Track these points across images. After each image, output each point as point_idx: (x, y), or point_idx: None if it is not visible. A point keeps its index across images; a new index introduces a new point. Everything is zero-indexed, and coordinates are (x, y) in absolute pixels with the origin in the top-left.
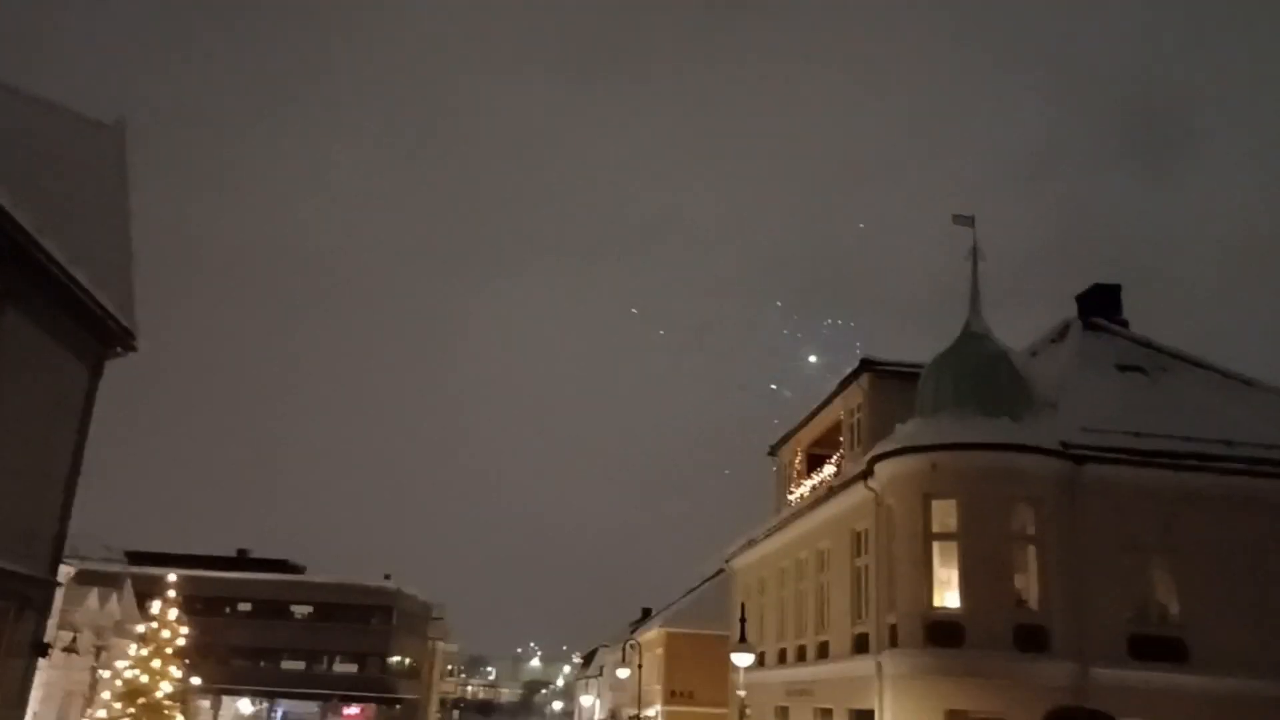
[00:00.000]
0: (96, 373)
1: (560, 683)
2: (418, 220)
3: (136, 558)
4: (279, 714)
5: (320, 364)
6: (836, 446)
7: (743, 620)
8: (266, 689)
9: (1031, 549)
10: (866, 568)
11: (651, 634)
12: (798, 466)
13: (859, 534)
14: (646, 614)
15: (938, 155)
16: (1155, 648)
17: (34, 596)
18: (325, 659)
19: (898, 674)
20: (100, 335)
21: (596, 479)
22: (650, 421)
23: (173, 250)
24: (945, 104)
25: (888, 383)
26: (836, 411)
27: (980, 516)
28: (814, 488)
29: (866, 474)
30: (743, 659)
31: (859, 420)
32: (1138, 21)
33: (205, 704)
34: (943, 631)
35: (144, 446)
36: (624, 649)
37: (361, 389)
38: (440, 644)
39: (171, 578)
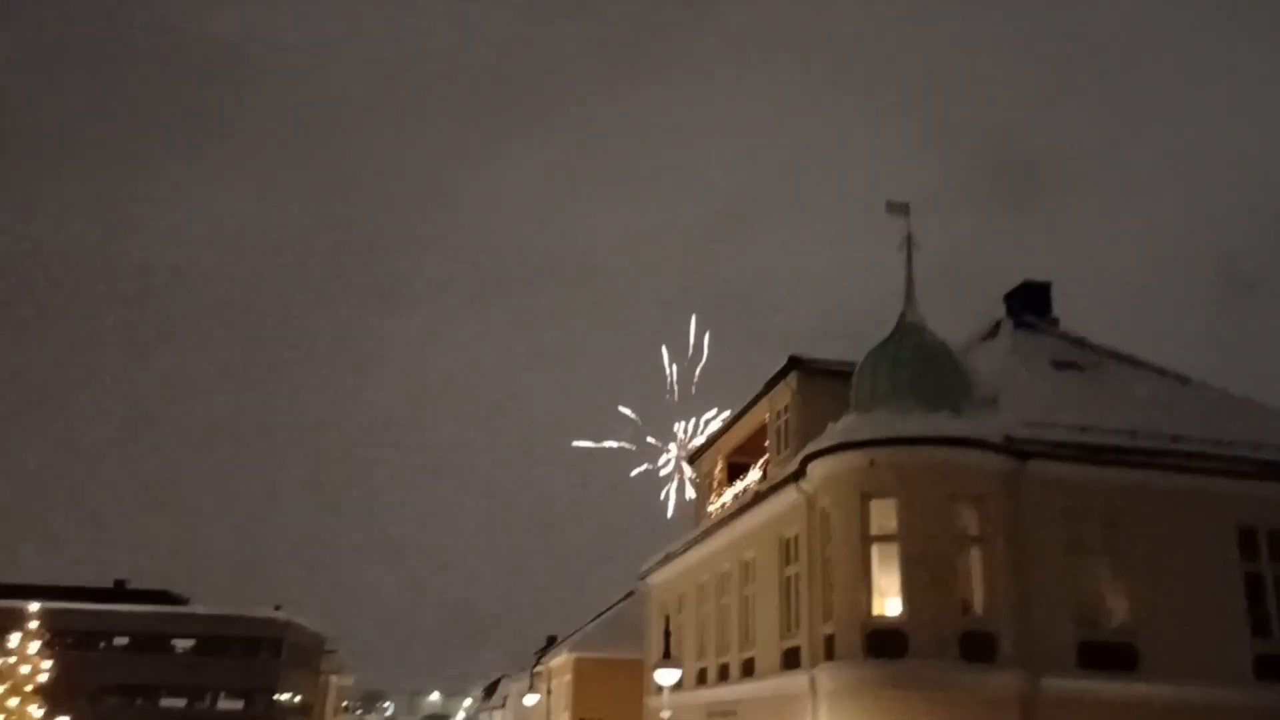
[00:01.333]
0: None
1: (461, 716)
2: (318, 259)
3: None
4: None
5: (207, 389)
6: (760, 453)
7: (667, 634)
8: None
9: (976, 551)
10: (797, 577)
11: (559, 660)
12: (719, 476)
13: (788, 541)
14: (551, 641)
15: (818, 194)
16: (1105, 655)
17: None
18: (209, 696)
19: (834, 689)
20: None
21: (497, 509)
22: (552, 449)
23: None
24: (816, 148)
25: (817, 381)
26: (761, 414)
27: (922, 516)
28: (737, 495)
29: (798, 475)
30: (667, 676)
31: (786, 422)
32: (1003, 75)
33: None
34: (884, 641)
35: (10, 467)
36: (530, 677)
37: (254, 415)
38: (334, 678)
39: (33, 608)
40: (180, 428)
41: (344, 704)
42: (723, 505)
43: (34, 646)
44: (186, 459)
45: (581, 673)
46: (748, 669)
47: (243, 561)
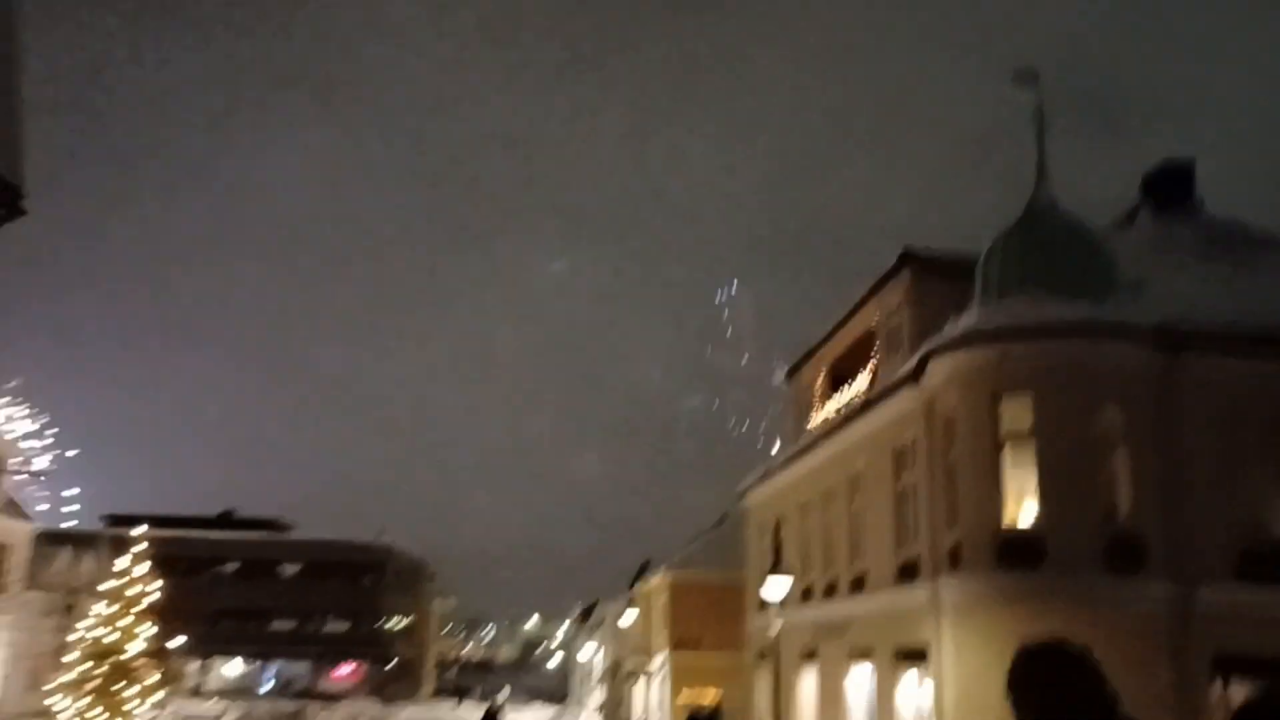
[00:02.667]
0: None
1: (559, 639)
2: (402, 201)
3: (115, 520)
4: (270, 674)
5: (304, 322)
6: (866, 360)
7: (777, 545)
8: (257, 650)
9: (1122, 453)
10: (913, 486)
11: (655, 582)
12: (820, 388)
13: (903, 449)
14: (645, 566)
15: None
16: (1268, 565)
17: None
18: (316, 618)
19: (960, 602)
20: None
21: (593, 437)
22: (643, 380)
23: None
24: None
25: (932, 278)
26: (870, 317)
27: (1061, 415)
28: (842, 407)
29: (915, 376)
30: (778, 586)
31: (900, 323)
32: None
33: (194, 667)
34: (1017, 550)
35: (119, 406)
36: (627, 599)
37: (352, 343)
38: (436, 602)
39: (141, 529)
40: (279, 363)
41: (446, 627)
42: (825, 419)
43: (142, 568)
44: (285, 393)
45: (678, 594)
46: (858, 584)
47: (346, 492)
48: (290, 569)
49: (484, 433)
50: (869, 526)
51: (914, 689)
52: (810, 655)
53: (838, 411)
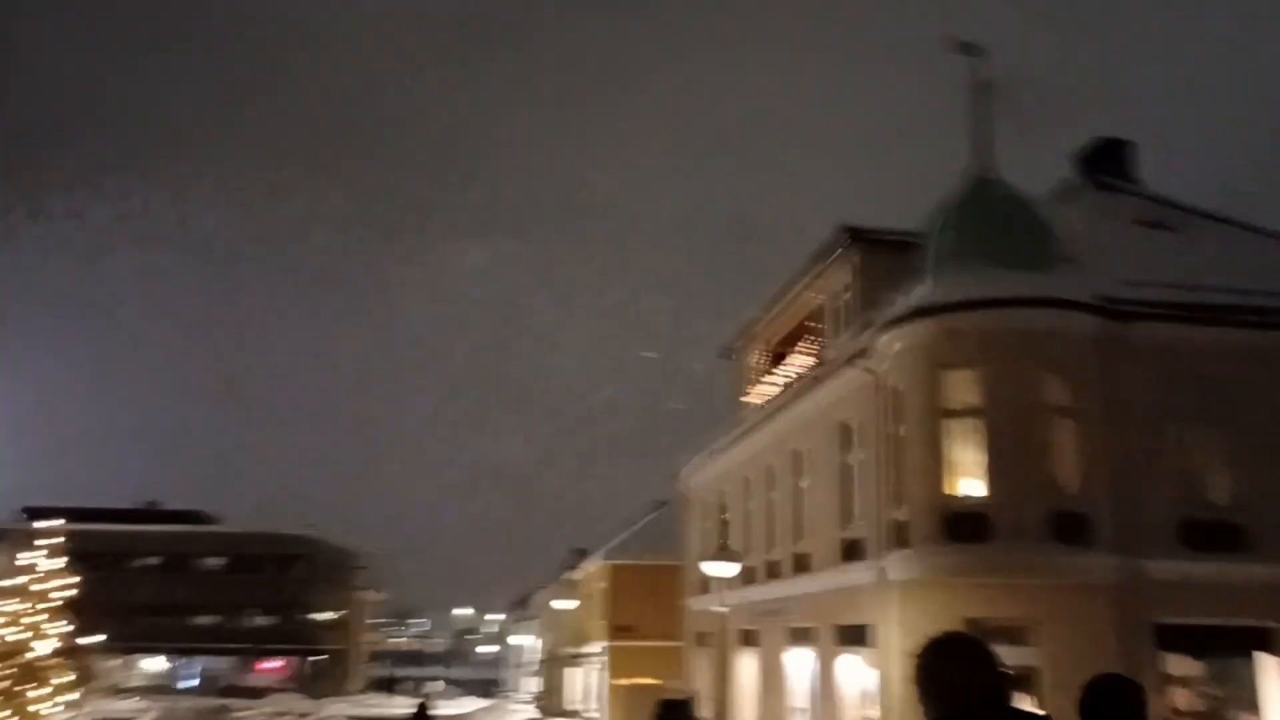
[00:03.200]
0: None
1: (495, 629)
2: (346, 197)
3: (32, 513)
4: (193, 670)
5: (228, 314)
6: (805, 337)
7: (724, 523)
8: (180, 645)
9: (1067, 424)
10: (860, 464)
11: (593, 568)
12: (758, 366)
13: (849, 426)
14: (580, 554)
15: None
16: (1210, 535)
17: None
18: (241, 612)
19: (908, 579)
20: None
21: (520, 427)
22: (571, 367)
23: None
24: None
25: (877, 254)
26: (811, 293)
27: (1008, 387)
28: (785, 384)
29: (863, 351)
30: (722, 569)
31: (846, 301)
32: None
33: (114, 664)
34: (965, 525)
35: (40, 395)
36: (564, 587)
37: (280, 336)
38: (366, 595)
39: (52, 524)
40: (205, 356)
41: (377, 620)
42: (766, 397)
43: (55, 562)
44: (212, 386)
45: (617, 580)
46: (800, 564)
47: (271, 483)
48: (214, 562)
49: (411, 423)
50: (813, 506)
51: (858, 669)
52: (751, 639)
53: (783, 389)
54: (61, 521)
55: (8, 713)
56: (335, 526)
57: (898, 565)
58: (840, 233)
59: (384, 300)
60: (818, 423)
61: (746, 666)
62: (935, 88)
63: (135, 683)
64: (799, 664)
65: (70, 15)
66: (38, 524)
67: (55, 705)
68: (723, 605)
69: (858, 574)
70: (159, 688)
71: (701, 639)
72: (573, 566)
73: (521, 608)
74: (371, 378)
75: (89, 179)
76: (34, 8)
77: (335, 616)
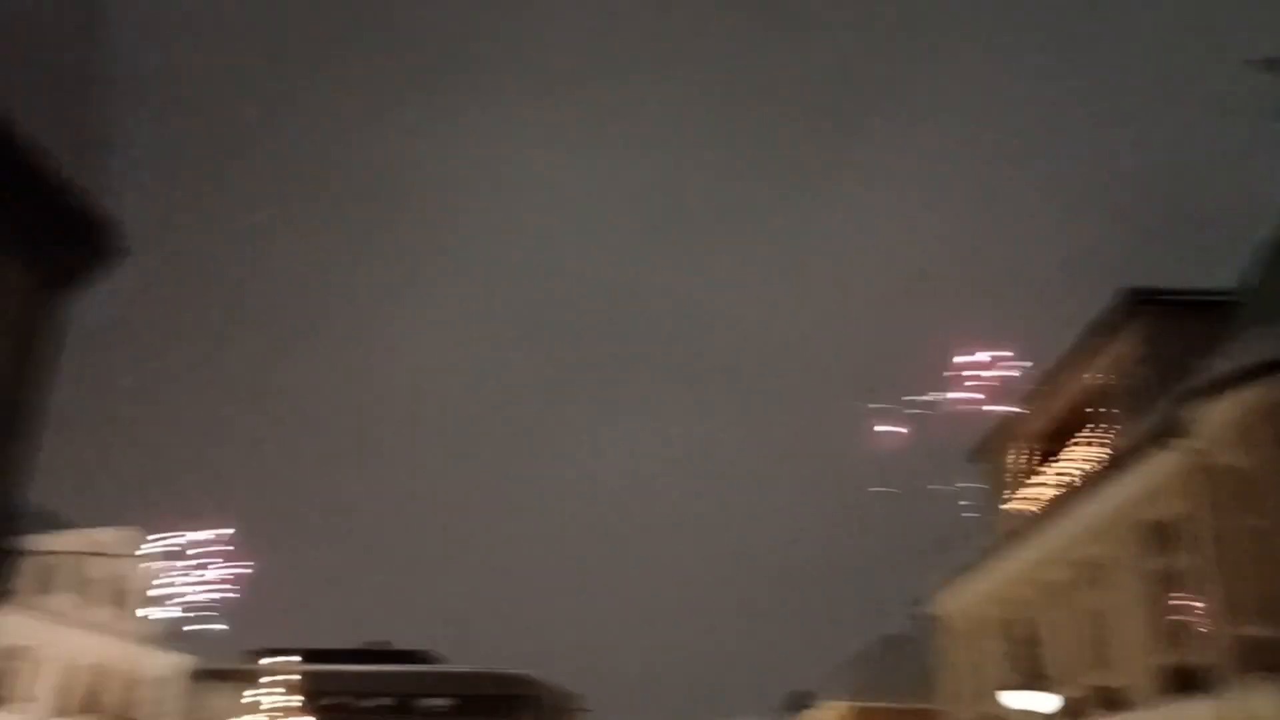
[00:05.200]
0: (48, 281)
1: None
2: (542, 355)
3: (266, 654)
4: None
5: (449, 460)
6: (1082, 427)
7: (1027, 644)
8: None
9: None
10: (1179, 570)
11: (824, 712)
12: (1021, 468)
13: (1159, 524)
14: (801, 697)
15: None
16: None
17: None
18: None
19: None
20: (52, 225)
21: (732, 566)
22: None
23: None
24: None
25: (1173, 319)
26: (1091, 376)
27: None
28: (1060, 485)
29: (1170, 430)
30: (1033, 701)
31: (1137, 378)
32: None
33: None
34: None
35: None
36: None
37: (495, 480)
38: None
39: (285, 661)
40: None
41: None
42: (1034, 501)
43: (285, 700)
44: (431, 529)
45: None
46: (1109, 701)
47: (493, 623)
48: (441, 703)
49: (624, 564)
50: (1115, 626)
51: None
52: None
53: (1059, 490)
54: (289, 660)
55: None
56: (555, 667)
57: (1260, 700)
58: (1125, 299)
59: (594, 444)
60: (1114, 523)
61: None
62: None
63: None
64: None
65: None
66: (273, 664)
67: None
68: None
69: (1193, 712)
70: None
71: None
72: (794, 710)
73: None
74: (589, 518)
75: None
76: None
77: None
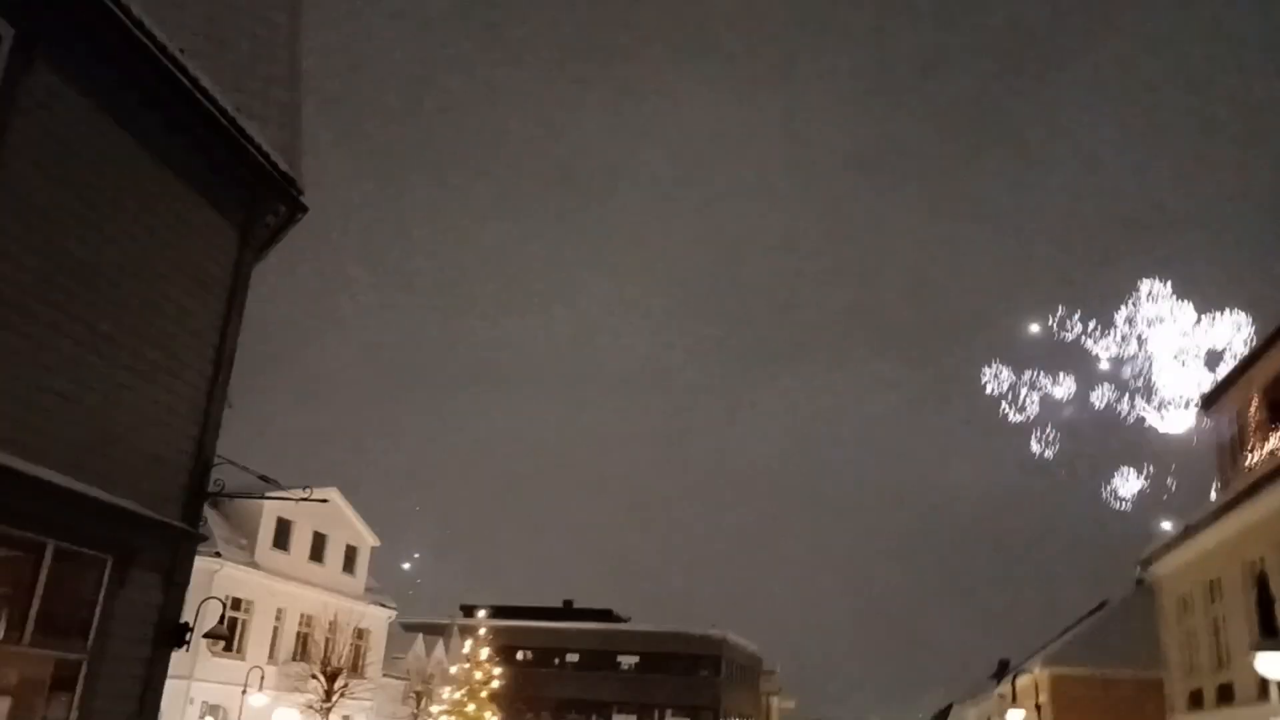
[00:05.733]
0: (247, 239)
1: None
2: (714, 316)
3: (466, 611)
4: None
5: (629, 427)
6: None
7: (1267, 598)
8: None
9: None
10: None
11: (1025, 680)
12: (1255, 418)
13: None
14: (1004, 666)
15: None
16: None
17: (149, 547)
18: (655, 711)
19: None
20: (254, 184)
21: (925, 524)
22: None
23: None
24: None
25: None
26: None
27: None
28: None
29: None
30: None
31: None
32: None
33: None
34: None
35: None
36: (997, 698)
37: (677, 439)
38: (775, 700)
39: (483, 614)
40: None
41: None
42: (1266, 454)
43: (484, 653)
44: (618, 493)
45: (1060, 691)
46: None
47: (677, 583)
48: (628, 660)
49: (814, 532)
50: None
51: None
52: None
53: None
54: (485, 615)
55: None
56: (738, 629)
57: None
58: None
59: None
60: None
61: None
62: None
63: None
64: None
65: None
66: (472, 620)
67: None
68: None
69: None
70: None
71: None
72: (999, 677)
73: None
74: (774, 486)
75: None
76: None
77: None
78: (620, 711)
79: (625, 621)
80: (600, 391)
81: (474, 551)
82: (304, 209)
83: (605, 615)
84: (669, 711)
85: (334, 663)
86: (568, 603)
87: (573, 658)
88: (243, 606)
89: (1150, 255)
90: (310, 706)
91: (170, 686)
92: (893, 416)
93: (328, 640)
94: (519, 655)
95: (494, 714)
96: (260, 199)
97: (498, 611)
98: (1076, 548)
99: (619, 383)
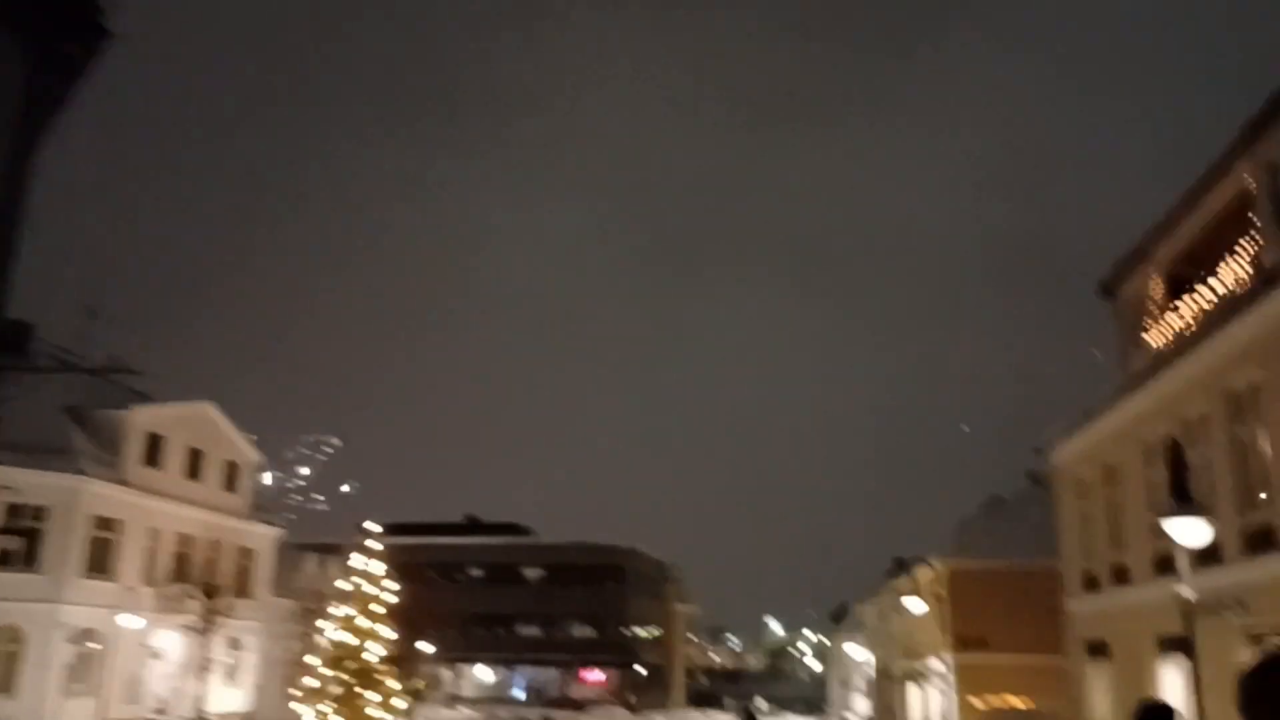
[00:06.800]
0: (42, 67)
1: (805, 646)
2: (641, 239)
3: (367, 531)
4: (520, 681)
5: (540, 343)
6: (1222, 254)
7: (1180, 465)
8: (505, 655)
9: None
10: None
11: (927, 573)
12: (1155, 299)
13: None
14: (899, 564)
15: None
16: None
17: None
18: (562, 623)
19: None
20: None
21: (823, 436)
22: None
23: None
24: None
25: None
26: (1237, 181)
27: None
28: (1206, 312)
29: None
30: (1191, 531)
31: None
32: None
33: (448, 673)
34: None
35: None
36: (894, 594)
37: (585, 353)
38: (680, 607)
39: (369, 526)
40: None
41: (690, 636)
42: (1169, 336)
43: (377, 568)
44: (524, 405)
45: (958, 585)
46: (1258, 541)
47: (582, 496)
48: (534, 573)
49: (710, 438)
50: (1276, 459)
51: None
52: (1171, 646)
53: (1204, 316)
54: (379, 529)
55: (341, 717)
56: (643, 539)
57: None
58: None
59: (683, 339)
60: (1275, 342)
61: (1168, 682)
62: None
63: (467, 692)
64: None
65: None
66: (366, 536)
67: (387, 713)
68: (1110, 609)
69: None
70: (492, 698)
71: (1097, 650)
72: (895, 575)
73: (837, 622)
74: (676, 398)
75: None
76: None
77: (653, 629)
78: (525, 624)
79: (531, 535)
80: (504, 309)
81: (381, 473)
82: (108, 34)
83: (511, 529)
84: (574, 622)
85: (217, 583)
86: (470, 518)
87: (477, 573)
88: (113, 526)
89: None
90: (191, 628)
91: (35, 610)
92: (797, 331)
93: (209, 560)
94: (422, 572)
95: (390, 629)
96: (55, 20)
97: (400, 529)
98: (968, 446)
99: (523, 298)
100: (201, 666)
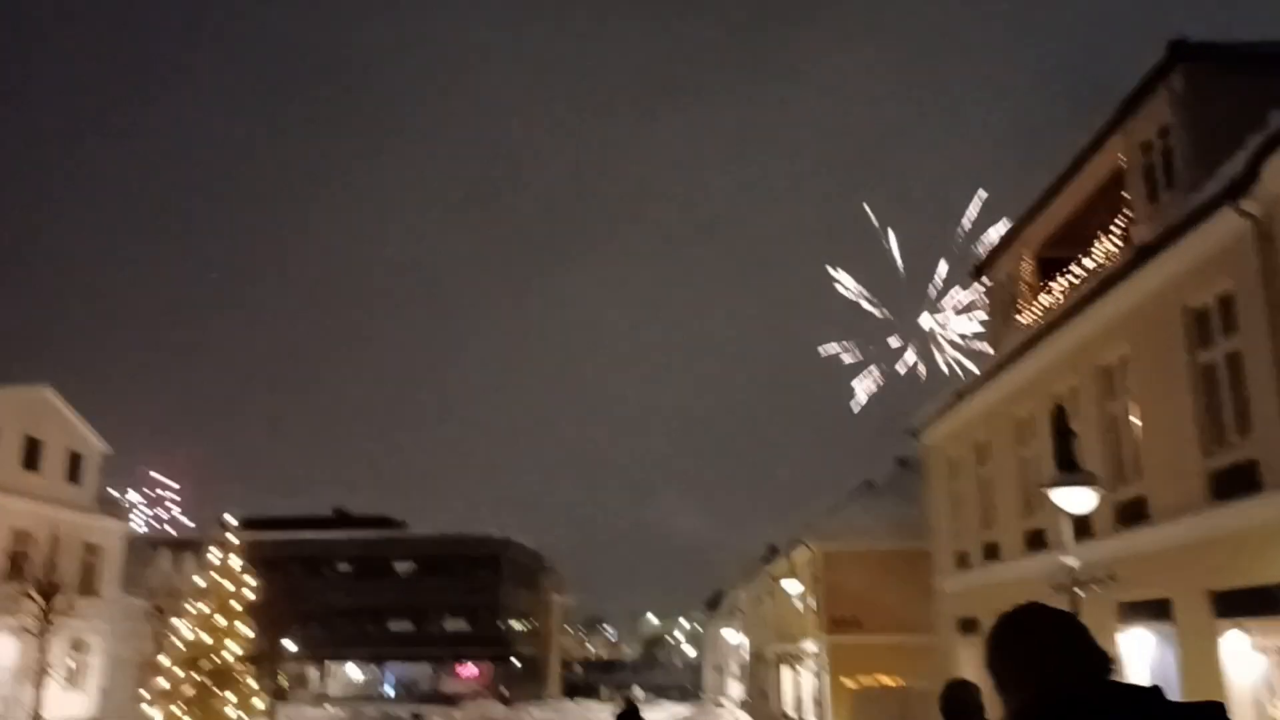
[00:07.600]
0: None
1: (680, 634)
2: (500, 232)
3: (226, 525)
4: (390, 677)
5: (392, 329)
6: (1093, 233)
7: (1062, 432)
8: (375, 651)
9: None
10: (1230, 358)
11: (800, 558)
12: (1026, 280)
13: (1203, 311)
14: (773, 551)
15: None
16: None
17: None
18: (433, 617)
19: None
20: None
21: (698, 429)
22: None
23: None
24: None
25: (1215, 81)
26: (1109, 160)
27: None
28: (1069, 288)
29: (1235, 193)
30: (1077, 498)
31: (1168, 148)
32: None
33: (314, 672)
34: None
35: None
36: (769, 578)
37: (456, 344)
38: (557, 599)
39: (229, 519)
40: (377, 360)
41: (567, 625)
42: (1047, 310)
43: (235, 564)
44: (391, 390)
45: (831, 567)
46: (1130, 513)
47: (455, 487)
48: (405, 567)
49: (576, 425)
50: (1150, 432)
51: (1250, 649)
52: None
53: (1067, 292)
54: (236, 524)
55: (197, 718)
56: (519, 531)
57: None
58: (1168, 53)
59: (558, 309)
60: (1145, 316)
61: None
62: None
63: (335, 691)
64: (1139, 650)
65: None
66: (225, 531)
67: (245, 713)
68: (981, 586)
69: (1251, 512)
70: (360, 696)
71: (968, 627)
72: (770, 560)
73: (713, 608)
74: (537, 389)
75: None
76: None
77: (528, 621)
78: (396, 619)
79: (403, 528)
80: (376, 299)
81: (243, 465)
82: None
83: (382, 523)
84: (447, 616)
85: (57, 581)
86: (339, 511)
87: (345, 567)
88: None
89: None
90: (27, 630)
91: None
92: (675, 315)
93: (48, 557)
94: (287, 568)
95: (249, 627)
96: None
97: (264, 523)
98: (840, 430)
99: (392, 280)
100: (39, 671)
